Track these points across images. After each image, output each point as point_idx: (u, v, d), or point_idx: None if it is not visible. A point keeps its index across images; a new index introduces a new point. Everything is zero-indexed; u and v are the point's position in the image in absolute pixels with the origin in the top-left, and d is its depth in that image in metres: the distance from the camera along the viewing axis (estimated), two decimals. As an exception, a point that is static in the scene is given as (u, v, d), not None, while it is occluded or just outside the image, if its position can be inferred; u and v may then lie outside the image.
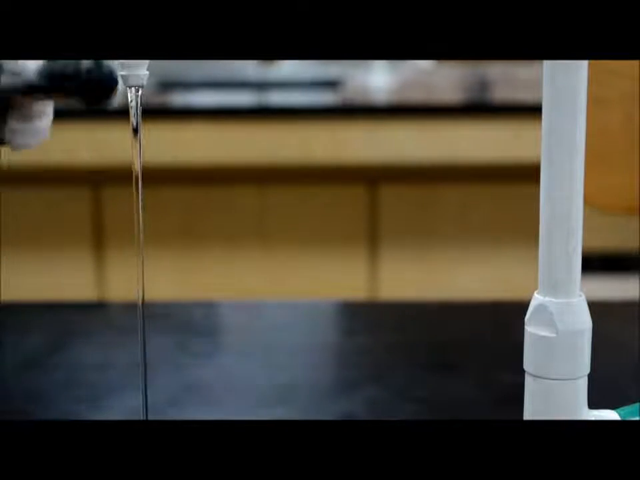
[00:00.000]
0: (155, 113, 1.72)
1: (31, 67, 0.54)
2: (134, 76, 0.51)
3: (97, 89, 0.53)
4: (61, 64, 0.53)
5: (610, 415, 0.49)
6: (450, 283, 1.80)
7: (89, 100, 0.54)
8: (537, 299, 0.47)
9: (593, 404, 0.48)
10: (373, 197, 1.79)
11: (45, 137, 0.57)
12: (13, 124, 0.56)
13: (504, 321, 0.90)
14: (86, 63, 0.53)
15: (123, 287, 1.78)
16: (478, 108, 1.76)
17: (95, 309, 1.07)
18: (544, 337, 0.46)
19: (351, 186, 1.79)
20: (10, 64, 0.53)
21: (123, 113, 0.54)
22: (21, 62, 0.53)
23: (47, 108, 0.57)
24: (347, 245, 1.80)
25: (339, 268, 1.80)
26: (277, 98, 2.07)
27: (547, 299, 0.46)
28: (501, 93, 1.92)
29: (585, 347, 0.47)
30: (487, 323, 0.93)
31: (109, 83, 0.53)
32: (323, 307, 1.05)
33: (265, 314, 0.98)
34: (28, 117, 0.56)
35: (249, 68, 2.07)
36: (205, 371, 0.80)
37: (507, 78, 1.94)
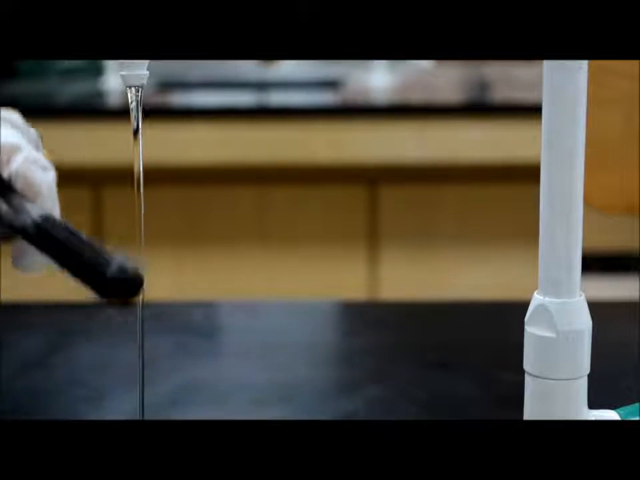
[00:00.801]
0: (155, 112, 1.71)
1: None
2: (134, 76, 0.50)
3: (120, 289, 0.50)
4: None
5: (610, 414, 0.49)
6: (450, 283, 1.79)
7: (109, 295, 0.51)
8: (536, 299, 0.47)
9: (593, 404, 0.48)
10: (373, 197, 1.79)
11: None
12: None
13: (504, 321, 0.90)
14: (112, 266, 0.50)
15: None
16: (478, 108, 1.76)
17: (95, 309, 1.07)
18: (544, 337, 0.46)
19: (351, 186, 1.79)
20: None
21: (123, 113, 0.54)
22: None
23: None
24: (346, 245, 1.80)
25: (339, 268, 1.80)
26: (277, 98, 2.07)
27: (547, 299, 0.46)
28: (501, 93, 1.92)
29: (585, 347, 0.47)
30: (487, 322, 0.93)
31: (133, 284, 0.50)
32: (323, 307, 1.05)
33: (265, 314, 0.98)
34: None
35: (249, 68, 2.07)
36: (204, 370, 0.80)
37: (507, 78, 1.94)
